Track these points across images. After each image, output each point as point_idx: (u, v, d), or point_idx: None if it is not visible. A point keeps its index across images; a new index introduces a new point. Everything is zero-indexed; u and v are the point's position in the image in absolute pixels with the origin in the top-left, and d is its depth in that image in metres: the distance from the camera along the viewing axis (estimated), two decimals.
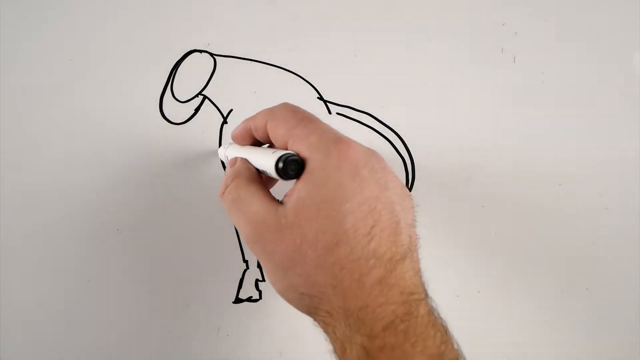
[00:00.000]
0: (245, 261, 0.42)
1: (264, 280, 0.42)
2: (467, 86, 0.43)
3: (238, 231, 0.31)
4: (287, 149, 0.29)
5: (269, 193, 0.30)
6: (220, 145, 0.43)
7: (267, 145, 0.34)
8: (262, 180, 0.31)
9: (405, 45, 0.44)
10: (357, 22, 0.44)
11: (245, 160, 0.32)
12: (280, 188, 0.33)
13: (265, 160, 0.29)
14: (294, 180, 0.29)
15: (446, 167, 0.43)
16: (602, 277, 0.42)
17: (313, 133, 0.28)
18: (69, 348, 0.40)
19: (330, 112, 0.43)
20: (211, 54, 0.44)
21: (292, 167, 0.28)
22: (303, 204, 0.27)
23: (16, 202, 0.41)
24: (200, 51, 0.44)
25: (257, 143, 0.34)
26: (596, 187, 0.42)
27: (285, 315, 0.41)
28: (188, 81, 0.43)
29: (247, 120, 0.33)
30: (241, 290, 0.41)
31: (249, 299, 0.41)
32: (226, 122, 0.43)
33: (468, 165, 0.43)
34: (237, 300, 0.41)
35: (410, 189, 0.43)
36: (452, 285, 0.42)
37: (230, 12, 0.44)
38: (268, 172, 0.29)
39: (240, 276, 0.42)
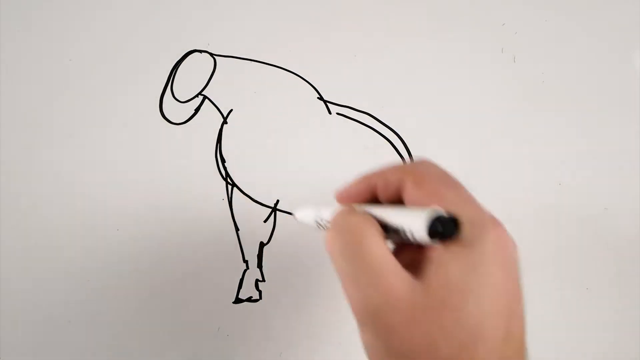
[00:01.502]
0: (245, 261, 0.42)
1: (264, 280, 0.42)
2: (467, 86, 0.43)
3: (345, 289, 0.24)
4: None
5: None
6: (217, 148, 0.43)
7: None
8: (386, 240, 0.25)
9: (405, 45, 0.44)
10: (357, 22, 0.44)
11: (367, 212, 0.25)
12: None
13: (403, 215, 0.23)
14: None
15: (446, 167, 0.43)
16: (602, 277, 0.42)
17: (469, 204, 0.24)
18: (69, 348, 0.40)
19: (330, 112, 0.43)
20: (211, 54, 0.44)
21: (450, 226, 0.22)
22: (449, 286, 0.22)
23: (16, 202, 0.41)
24: (200, 51, 0.44)
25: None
26: (596, 187, 0.42)
27: (285, 316, 0.41)
28: (188, 81, 0.43)
29: (370, 175, 0.28)
30: (241, 290, 0.41)
31: (249, 299, 0.41)
32: (226, 122, 0.43)
33: (468, 165, 0.43)
34: (237, 300, 0.41)
35: None
36: None
37: (230, 12, 0.44)
38: (409, 230, 0.23)
39: (240, 276, 0.42)
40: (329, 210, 0.28)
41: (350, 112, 0.43)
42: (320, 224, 0.29)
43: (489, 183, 0.43)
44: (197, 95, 0.43)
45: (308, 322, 0.40)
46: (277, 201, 0.42)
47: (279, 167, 0.43)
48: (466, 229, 0.22)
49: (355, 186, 0.28)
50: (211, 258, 0.41)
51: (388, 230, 0.24)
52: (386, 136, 0.43)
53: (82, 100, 0.43)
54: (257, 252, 0.42)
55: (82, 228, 0.41)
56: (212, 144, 0.43)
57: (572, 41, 0.44)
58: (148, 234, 0.41)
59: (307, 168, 0.43)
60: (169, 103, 0.43)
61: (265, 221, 0.42)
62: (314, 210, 0.30)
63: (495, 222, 0.24)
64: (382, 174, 0.27)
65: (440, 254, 0.23)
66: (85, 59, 0.43)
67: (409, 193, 0.25)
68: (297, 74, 0.44)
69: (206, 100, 0.43)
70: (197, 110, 0.43)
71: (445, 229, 0.22)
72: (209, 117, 0.43)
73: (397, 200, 0.26)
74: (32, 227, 0.41)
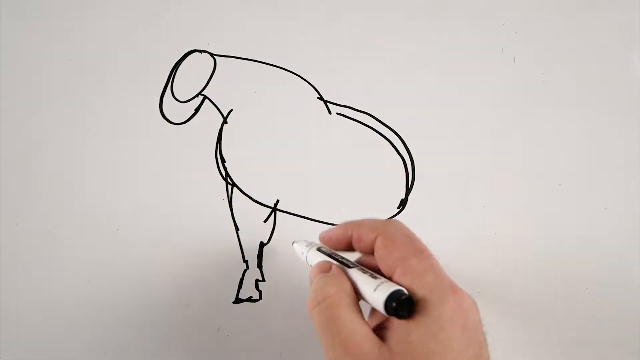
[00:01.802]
0: (245, 261, 0.42)
1: (264, 280, 0.42)
2: (467, 86, 0.43)
3: (325, 354, 0.27)
4: (393, 278, 0.28)
5: (368, 324, 0.27)
6: (217, 148, 0.43)
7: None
8: (359, 305, 0.28)
9: (405, 45, 0.44)
10: (357, 22, 0.44)
11: (343, 273, 0.29)
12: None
13: (368, 286, 0.27)
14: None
15: (446, 167, 0.43)
16: (602, 277, 0.42)
17: (429, 271, 0.27)
18: (69, 348, 0.40)
19: (330, 112, 0.43)
20: (211, 54, 0.44)
21: (405, 308, 0.25)
22: (412, 350, 0.25)
23: (16, 202, 0.41)
24: (200, 51, 0.44)
25: (349, 250, 0.32)
26: (596, 187, 0.42)
27: (285, 316, 0.41)
28: (188, 81, 0.43)
29: (348, 225, 0.31)
30: (241, 290, 0.41)
31: (249, 299, 0.41)
32: (226, 122, 0.43)
33: (468, 166, 0.43)
34: (237, 300, 0.41)
35: (410, 189, 0.43)
36: None
37: (230, 12, 0.44)
38: (371, 300, 0.27)
39: (240, 276, 0.42)
40: (314, 256, 0.33)
41: (350, 112, 0.43)
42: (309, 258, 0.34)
43: (489, 183, 0.43)
44: (197, 95, 0.43)
45: (308, 322, 0.40)
46: (277, 201, 0.42)
47: (279, 167, 0.43)
48: (426, 302, 0.26)
49: (335, 233, 0.32)
50: (211, 258, 0.41)
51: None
52: (386, 136, 0.43)
53: (82, 100, 0.43)
54: (257, 252, 0.42)
55: (82, 228, 0.41)
56: (212, 144, 0.43)
57: (572, 41, 0.44)
58: (148, 234, 0.41)
59: (307, 168, 0.43)
60: (169, 103, 0.43)
61: (265, 221, 0.42)
62: (304, 248, 0.34)
63: (453, 288, 0.27)
64: (358, 227, 0.31)
65: (405, 321, 0.26)
66: (85, 59, 0.43)
67: (379, 253, 0.29)
68: (297, 74, 0.44)
69: (206, 100, 0.43)
70: (197, 110, 0.43)
71: (401, 308, 0.25)
72: (209, 117, 0.43)
73: (369, 252, 0.30)
74: (32, 227, 0.41)
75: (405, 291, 0.26)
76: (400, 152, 0.43)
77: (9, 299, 0.40)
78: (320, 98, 0.43)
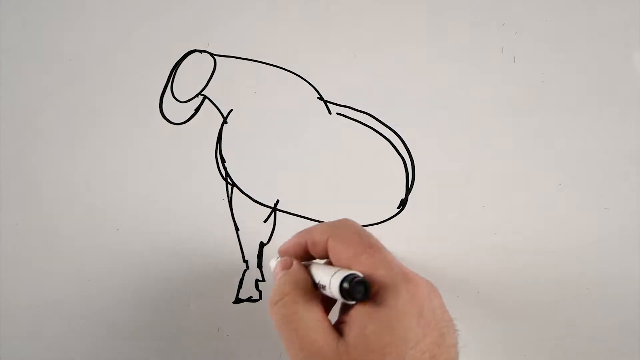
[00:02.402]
0: (245, 261, 0.42)
1: (264, 280, 0.42)
2: (467, 86, 0.43)
3: (286, 351, 0.28)
4: None
5: (327, 318, 0.28)
6: (217, 148, 0.43)
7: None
8: (319, 298, 0.29)
9: (405, 45, 0.44)
10: (357, 22, 0.44)
11: (303, 268, 0.30)
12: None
13: (325, 276, 0.28)
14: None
15: (446, 167, 0.43)
16: (602, 277, 0.42)
17: (381, 265, 0.27)
18: (69, 348, 0.40)
19: (330, 112, 0.43)
20: (211, 54, 0.44)
21: (359, 289, 0.26)
22: (368, 343, 0.26)
23: (16, 202, 0.41)
24: (200, 51, 0.44)
25: (308, 259, 0.33)
26: (596, 187, 0.42)
27: None
28: (188, 81, 0.43)
29: (301, 234, 0.32)
30: (241, 290, 0.41)
31: (249, 299, 0.41)
32: (226, 122, 0.43)
33: (468, 165, 0.43)
34: (237, 300, 0.41)
35: (410, 189, 0.43)
36: (452, 285, 0.42)
37: (230, 12, 0.44)
38: (329, 289, 0.27)
39: (240, 276, 0.42)
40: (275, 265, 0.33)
41: (350, 112, 0.43)
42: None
43: (489, 183, 0.43)
44: (197, 95, 0.43)
45: None
46: (277, 201, 0.42)
47: (279, 167, 0.43)
48: (379, 295, 0.26)
49: (290, 244, 0.33)
50: (211, 258, 0.42)
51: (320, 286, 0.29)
52: (386, 136, 0.43)
53: (82, 100, 0.43)
54: (257, 252, 0.42)
55: (82, 228, 0.41)
56: (212, 144, 0.43)
57: (572, 41, 0.44)
58: (148, 234, 0.41)
59: (307, 168, 0.43)
60: (169, 103, 0.43)
61: (265, 221, 0.42)
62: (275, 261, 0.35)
63: (407, 278, 0.27)
64: (309, 234, 0.31)
65: (359, 314, 0.26)
66: (85, 59, 0.43)
67: (332, 254, 0.29)
68: (297, 74, 0.44)
69: (206, 100, 0.43)
70: (197, 110, 0.43)
71: (357, 290, 0.26)
72: (209, 117, 0.43)
73: (325, 256, 0.30)
74: (32, 227, 0.41)
75: (359, 274, 0.26)
76: (400, 152, 0.43)
77: (9, 299, 0.40)
78: (320, 98, 0.43)
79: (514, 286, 0.42)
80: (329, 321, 0.28)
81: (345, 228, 0.30)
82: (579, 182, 0.42)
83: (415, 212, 0.42)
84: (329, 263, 0.31)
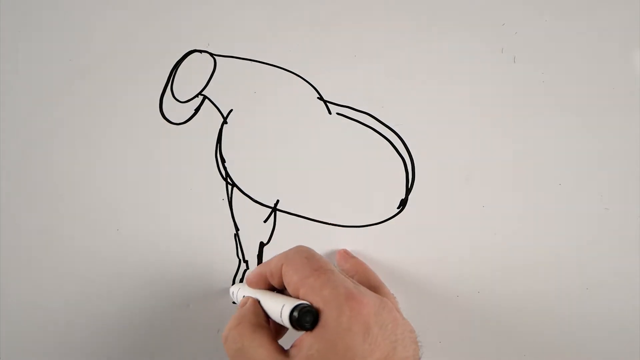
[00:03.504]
0: (246, 261, 0.42)
1: None
2: (467, 86, 0.43)
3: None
4: (299, 297, 0.29)
5: (276, 343, 0.29)
6: (217, 148, 0.43)
7: (278, 290, 0.34)
8: (269, 327, 0.31)
9: (405, 45, 0.44)
10: (357, 22, 0.44)
11: (255, 303, 0.32)
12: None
13: (277, 307, 0.29)
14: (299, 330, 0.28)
15: (446, 167, 0.43)
16: (602, 277, 0.42)
17: (326, 286, 0.28)
18: (69, 348, 0.40)
19: (330, 112, 0.43)
20: (211, 54, 0.44)
21: (307, 318, 0.27)
22: None
23: (16, 202, 0.41)
24: (200, 51, 0.44)
25: (272, 289, 0.34)
26: (596, 187, 0.42)
27: None
28: (188, 81, 0.43)
29: (262, 265, 0.34)
30: None
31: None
32: (226, 122, 0.43)
33: (468, 165, 0.43)
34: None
35: (410, 189, 0.43)
36: (452, 285, 0.42)
37: (230, 12, 0.44)
38: (280, 320, 0.29)
39: (240, 276, 0.42)
40: (243, 289, 0.36)
41: (350, 112, 0.43)
42: (238, 297, 0.37)
43: (489, 183, 0.43)
44: (197, 95, 0.43)
45: None
46: (277, 201, 0.42)
47: (279, 167, 0.43)
48: (324, 315, 0.27)
49: (254, 276, 0.35)
50: (211, 258, 0.42)
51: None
52: (386, 136, 0.43)
53: (82, 100, 0.43)
54: (257, 252, 0.42)
55: (82, 228, 0.41)
56: (212, 144, 0.43)
57: (572, 41, 0.44)
58: (148, 234, 0.41)
59: (307, 168, 0.43)
60: (169, 103, 0.43)
61: (265, 221, 0.42)
62: (236, 287, 0.38)
63: (349, 297, 0.28)
64: (268, 264, 0.33)
65: (307, 336, 0.27)
66: (85, 59, 0.43)
67: (285, 280, 0.31)
68: (297, 74, 0.44)
69: (206, 100, 0.43)
70: (197, 110, 0.43)
71: (305, 319, 0.27)
72: (209, 117, 0.43)
73: (282, 284, 0.32)
74: (32, 227, 0.41)
75: (308, 303, 0.28)
76: (400, 152, 0.43)
77: (9, 299, 0.40)
78: (320, 98, 0.43)
79: (513, 286, 0.42)
80: (278, 346, 0.29)
81: (296, 254, 0.31)
82: (579, 182, 0.42)
83: (415, 212, 0.42)
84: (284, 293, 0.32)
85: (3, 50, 0.43)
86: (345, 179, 0.43)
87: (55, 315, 0.40)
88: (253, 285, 0.35)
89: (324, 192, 0.43)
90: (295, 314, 0.27)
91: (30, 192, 0.41)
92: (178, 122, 0.43)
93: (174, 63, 0.43)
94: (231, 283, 0.41)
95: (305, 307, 0.27)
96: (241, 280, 0.42)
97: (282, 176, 0.43)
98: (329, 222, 0.42)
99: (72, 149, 0.42)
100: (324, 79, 0.43)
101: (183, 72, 0.43)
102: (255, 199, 0.42)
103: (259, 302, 0.32)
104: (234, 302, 0.40)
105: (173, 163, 0.42)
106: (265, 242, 0.42)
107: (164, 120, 0.43)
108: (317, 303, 0.28)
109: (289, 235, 0.42)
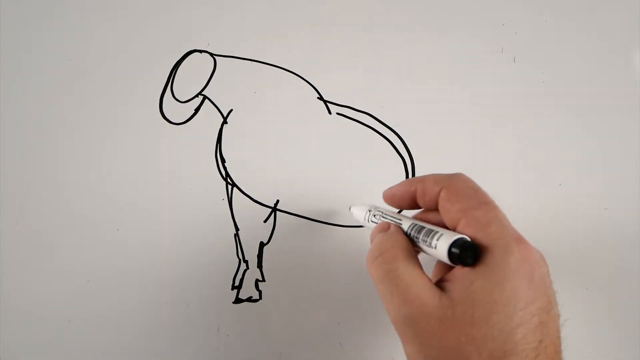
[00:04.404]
0: (246, 261, 0.42)
1: (264, 280, 0.42)
2: (467, 86, 0.43)
3: (386, 307, 0.27)
4: (456, 228, 0.27)
5: (427, 276, 0.27)
6: (217, 148, 0.43)
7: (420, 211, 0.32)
8: (418, 258, 0.29)
9: (405, 45, 0.44)
10: (357, 22, 0.44)
11: (401, 231, 0.30)
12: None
13: (430, 239, 0.27)
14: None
15: (446, 167, 0.43)
16: (602, 277, 0.42)
17: (494, 222, 0.26)
18: (69, 348, 0.40)
19: (330, 112, 0.43)
20: (211, 54, 0.44)
21: (469, 254, 0.25)
22: (475, 300, 0.25)
23: (16, 202, 0.41)
24: (200, 51, 0.44)
25: (413, 207, 0.32)
26: (596, 187, 0.42)
27: (285, 316, 0.41)
28: (188, 81, 0.43)
29: (412, 180, 0.31)
30: (241, 290, 0.41)
31: (249, 299, 0.41)
32: (226, 122, 0.43)
33: (468, 165, 0.43)
34: (237, 300, 0.41)
35: None
36: None
37: (230, 12, 0.44)
38: (433, 250, 0.27)
39: (240, 276, 0.42)
40: (374, 220, 0.34)
41: (350, 112, 0.43)
42: (372, 220, 0.34)
43: (489, 183, 0.43)
44: (197, 95, 0.43)
45: (308, 322, 0.40)
46: (277, 201, 0.42)
47: (279, 167, 0.43)
48: (490, 252, 0.25)
49: (398, 189, 0.32)
50: (211, 258, 0.41)
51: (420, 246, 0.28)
52: (386, 136, 0.43)
53: (82, 100, 0.43)
54: (257, 252, 0.42)
55: (82, 228, 0.41)
56: (212, 144, 0.43)
57: (572, 41, 0.44)
58: (148, 234, 0.41)
59: (307, 168, 0.43)
60: (169, 103, 0.43)
61: (265, 221, 0.42)
62: (364, 211, 0.35)
63: (519, 240, 0.26)
64: (421, 181, 0.30)
65: (464, 271, 0.25)
66: (85, 59, 0.43)
67: (443, 205, 0.28)
68: (297, 74, 0.44)
69: (206, 100, 0.43)
70: (197, 110, 0.43)
71: (467, 255, 0.25)
72: (209, 117, 0.43)
73: (434, 207, 0.29)
74: (32, 227, 0.41)
75: (468, 238, 0.26)
76: (400, 152, 0.43)
77: (9, 299, 0.40)
78: (320, 98, 0.43)
79: None
80: (429, 278, 0.27)
81: (461, 181, 0.29)
82: (579, 182, 0.42)
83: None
84: (431, 218, 0.30)
85: (3, 50, 0.43)
86: (345, 179, 0.43)
87: (55, 315, 0.40)
88: (395, 200, 0.32)
89: (324, 192, 0.43)
90: (455, 249, 0.25)
91: (30, 192, 0.41)
92: (178, 122, 0.43)
93: (174, 63, 0.43)
94: (231, 283, 0.41)
95: (466, 242, 0.25)
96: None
97: (282, 176, 0.43)
98: (329, 222, 0.42)
99: (72, 149, 0.42)
100: (324, 79, 0.44)
101: (183, 72, 0.43)
102: (255, 199, 0.42)
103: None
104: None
105: (173, 163, 0.42)
106: (265, 242, 0.42)
107: (164, 120, 0.43)
108: (482, 238, 0.26)
109: (289, 235, 0.42)
